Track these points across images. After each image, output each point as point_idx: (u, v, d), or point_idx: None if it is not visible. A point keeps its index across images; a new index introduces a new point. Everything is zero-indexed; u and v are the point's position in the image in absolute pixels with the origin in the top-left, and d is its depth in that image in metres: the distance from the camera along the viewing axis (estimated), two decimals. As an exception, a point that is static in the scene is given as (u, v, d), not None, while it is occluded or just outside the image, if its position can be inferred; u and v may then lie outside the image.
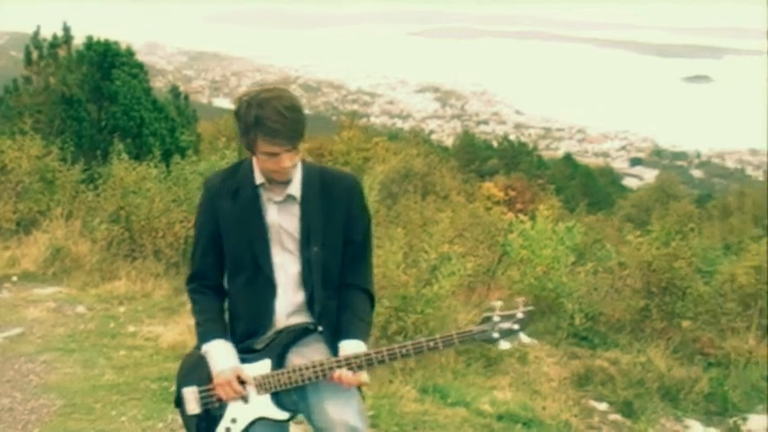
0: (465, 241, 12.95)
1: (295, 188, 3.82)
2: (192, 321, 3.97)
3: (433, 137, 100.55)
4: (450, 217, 13.13)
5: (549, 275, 10.78)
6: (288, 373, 3.74)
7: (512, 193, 32.31)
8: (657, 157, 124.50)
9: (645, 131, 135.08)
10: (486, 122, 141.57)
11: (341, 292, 3.92)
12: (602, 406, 8.09)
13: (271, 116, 3.56)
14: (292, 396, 3.84)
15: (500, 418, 7.22)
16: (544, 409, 7.59)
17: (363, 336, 3.85)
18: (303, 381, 3.72)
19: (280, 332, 3.83)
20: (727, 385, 8.78)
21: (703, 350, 9.86)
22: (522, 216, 13.40)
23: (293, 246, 3.83)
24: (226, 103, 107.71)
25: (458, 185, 29.39)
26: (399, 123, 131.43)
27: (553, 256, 11.05)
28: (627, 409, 8.03)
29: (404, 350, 3.73)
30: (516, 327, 3.77)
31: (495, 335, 3.75)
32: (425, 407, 7.13)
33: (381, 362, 3.74)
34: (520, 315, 3.77)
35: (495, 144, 73.24)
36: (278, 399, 3.81)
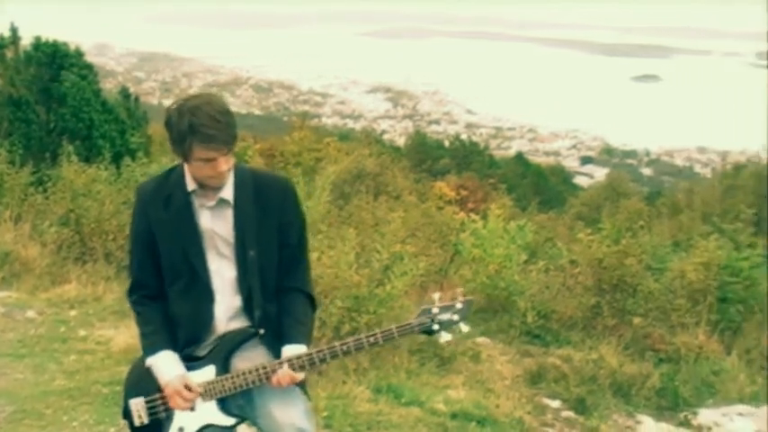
0: (417, 241, 12.96)
1: (227, 192, 3.82)
2: (142, 327, 3.97)
3: (385, 137, 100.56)
4: (403, 217, 13.16)
5: (502, 274, 10.82)
6: (232, 378, 3.74)
7: (463, 193, 32.36)
8: (608, 155, 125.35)
9: (595, 130, 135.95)
10: (437, 122, 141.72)
11: (280, 297, 3.93)
12: (555, 403, 8.14)
13: (205, 122, 3.56)
14: (238, 401, 3.84)
15: (454, 416, 7.23)
16: (498, 407, 7.62)
17: (305, 339, 3.88)
18: (247, 385, 3.73)
19: (221, 338, 3.83)
20: (678, 380, 8.87)
21: (654, 346, 9.95)
22: (473, 215, 13.45)
23: (228, 251, 3.83)
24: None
25: (410, 185, 29.41)
26: (351, 123, 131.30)
27: (505, 255, 11.10)
28: (579, 406, 8.08)
29: (345, 347, 3.76)
30: (456, 317, 3.80)
31: (435, 326, 3.79)
32: (379, 407, 7.13)
33: (323, 360, 3.76)
34: (459, 305, 3.81)
35: (446, 144, 73.42)
36: (224, 405, 3.81)
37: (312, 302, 4.04)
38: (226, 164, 3.68)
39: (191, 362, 3.83)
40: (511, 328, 10.08)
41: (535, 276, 11.13)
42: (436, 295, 3.81)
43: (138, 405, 3.85)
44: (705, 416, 8.31)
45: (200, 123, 3.55)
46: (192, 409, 3.78)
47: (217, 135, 3.58)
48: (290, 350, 3.79)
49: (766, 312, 10.68)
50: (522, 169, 61.80)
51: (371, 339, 3.73)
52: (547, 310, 10.43)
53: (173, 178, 3.86)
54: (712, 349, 9.86)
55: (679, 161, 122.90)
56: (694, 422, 8.16)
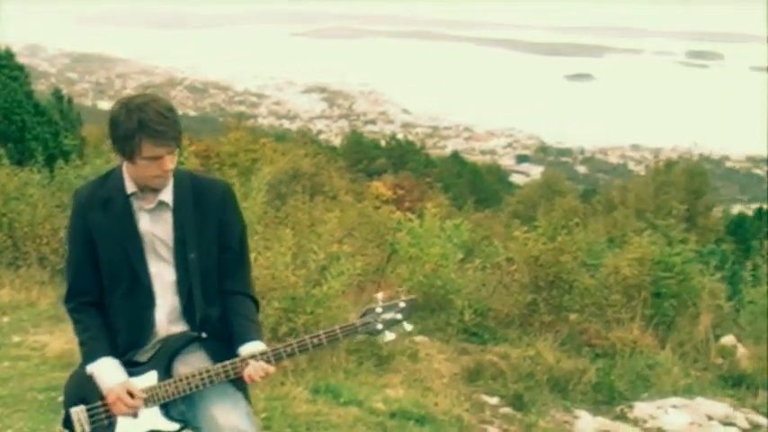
0: (354, 241, 12.95)
1: (167, 195, 3.78)
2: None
3: (321, 137, 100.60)
4: (339, 217, 13.15)
5: (438, 273, 10.84)
6: (175, 383, 3.71)
7: (400, 192, 32.46)
8: (543, 153, 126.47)
9: (530, 129, 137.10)
10: (373, 122, 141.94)
11: (226, 300, 3.90)
12: (493, 400, 8.17)
13: (154, 118, 3.54)
14: (179, 406, 3.80)
15: (393, 415, 7.24)
16: (436, 405, 7.64)
17: (261, 337, 3.88)
18: (191, 389, 3.70)
19: (163, 342, 3.79)
20: (614, 375, 8.96)
21: (590, 341, 10.04)
22: (410, 214, 13.47)
23: (168, 254, 3.80)
24: (110, 106, 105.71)
25: (346, 185, 29.46)
26: (287, 124, 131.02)
27: (441, 254, 11.12)
28: (517, 402, 8.12)
29: (289, 349, 3.75)
30: (399, 316, 3.82)
31: (379, 326, 3.80)
32: (318, 407, 7.11)
33: (267, 362, 3.74)
34: (402, 305, 3.83)
35: (383, 143, 73.60)
36: (167, 410, 3.77)
37: (257, 305, 4.03)
38: (171, 162, 3.66)
39: (132, 367, 3.78)
40: (448, 327, 10.11)
41: (472, 274, 11.18)
42: (379, 295, 3.82)
43: (79, 413, 3.77)
44: (640, 409, 8.40)
45: (150, 119, 3.53)
46: (136, 415, 3.73)
47: (166, 131, 3.56)
48: (250, 347, 3.79)
49: (699, 306, 10.84)
50: (459, 168, 62.13)
51: (315, 341, 3.73)
52: (484, 307, 10.47)
53: (111, 181, 3.82)
54: (647, 343, 9.98)
55: (613, 159, 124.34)
56: (630, 415, 8.25)
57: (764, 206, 38.49)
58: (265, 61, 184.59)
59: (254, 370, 3.70)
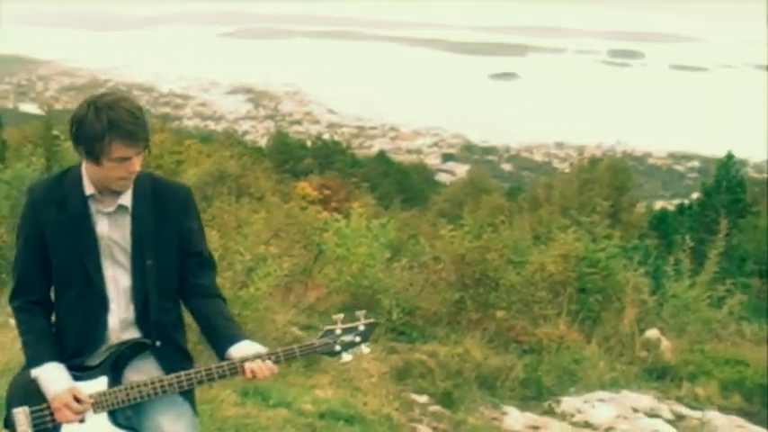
0: (280, 242, 12.90)
1: (126, 199, 3.70)
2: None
3: (247, 138, 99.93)
4: (265, 218, 13.07)
5: (365, 272, 10.84)
6: (126, 390, 3.63)
7: (326, 192, 32.41)
8: (468, 152, 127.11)
9: (455, 128, 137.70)
10: (299, 122, 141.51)
11: (200, 304, 3.85)
12: (422, 398, 8.20)
13: (125, 117, 3.47)
14: (126, 412, 3.73)
15: (322, 416, 7.23)
16: (365, 404, 7.64)
17: (244, 335, 3.84)
18: (141, 398, 3.63)
19: (114, 348, 3.72)
20: (541, 370, 9.05)
21: (517, 338, 10.12)
22: (336, 214, 13.47)
23: (125, 259, 3.72)
24: (32, 108, 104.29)
25: (272, 186, 29.30)
26: (212, 125, 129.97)
27: (368, 254, 11.13)
28: (446, 400, 8.16)
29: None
30: (358, 339, 3.84)
31: (337, 347, 3.81)
32: (247, 410, 7.07)
33: (211, 379, 3.69)
34: (361, 327, 3.86)
35: (308, 144, 73.49)
36: (114, 417, 3.69)
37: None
38: (138, 164, 3.58)
39: (81, 371, 3.69)
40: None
41: (399, 274, 11.21)
42: (339, 316, 3.84)
43: (21, 415, 3.64)
44: (568, 403, 8.50)
45: (120, 119, 3.45)
46: (82, 420, 3.65)
47: (137, 131, 3.49)
48: (243, 347, 3.72)
49: (623, 301, 10.98)
50: (385, 168, 62.26)
51: (273, 357, 3.70)
52: (411, 306, 10.51)
53: (68, 181, 3.71)
54: (573, 339, 10.09)
55: (538, 157, 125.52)
56: (558, 410, 8.34)
57: (686, 202, 39.16)
58: (189, 62, 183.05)
59: (258, 367, 3.64)
